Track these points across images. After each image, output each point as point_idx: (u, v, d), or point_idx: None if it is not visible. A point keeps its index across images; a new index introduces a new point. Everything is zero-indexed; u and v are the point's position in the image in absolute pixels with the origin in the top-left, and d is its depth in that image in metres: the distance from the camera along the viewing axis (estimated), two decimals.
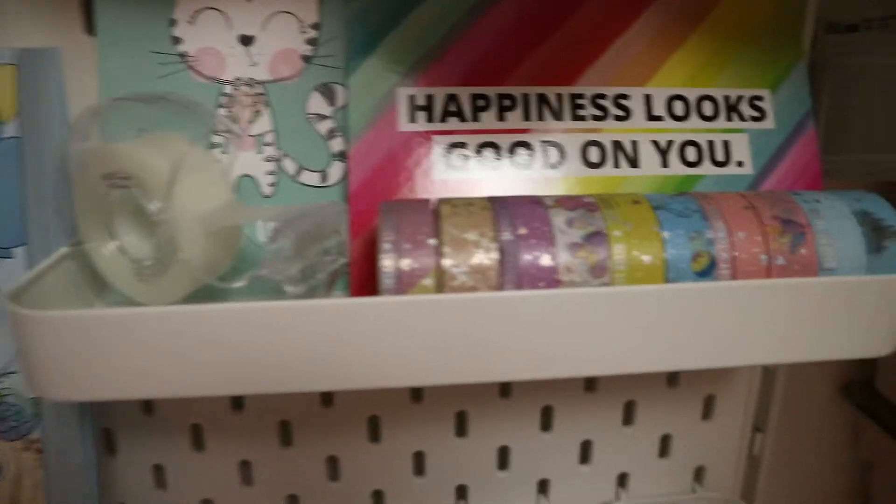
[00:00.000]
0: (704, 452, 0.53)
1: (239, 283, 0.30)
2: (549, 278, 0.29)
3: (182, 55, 0.38)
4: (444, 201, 0.31)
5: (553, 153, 0.38)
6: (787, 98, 0.42)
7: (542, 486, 0.52)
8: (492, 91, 0.38)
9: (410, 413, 0.48)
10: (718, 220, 0.31)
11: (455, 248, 0.29)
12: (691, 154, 0.40)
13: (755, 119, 0.41)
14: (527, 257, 0.29)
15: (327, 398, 0.48)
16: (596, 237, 0.29)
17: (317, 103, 0.39)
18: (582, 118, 0.39)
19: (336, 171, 0.39)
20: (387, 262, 0.28)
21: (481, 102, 0.38)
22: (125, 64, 0.37)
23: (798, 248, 0.32)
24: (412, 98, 0.37)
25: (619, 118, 0.39)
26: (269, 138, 0.39)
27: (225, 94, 0.38)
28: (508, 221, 0.29)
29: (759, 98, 0.41)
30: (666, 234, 0.30)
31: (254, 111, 0.38)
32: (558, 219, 0.30)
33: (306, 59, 0.39)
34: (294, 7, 0.38)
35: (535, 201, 0.31)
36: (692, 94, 0.40)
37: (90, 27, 0.38)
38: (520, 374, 0.29)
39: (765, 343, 0.32)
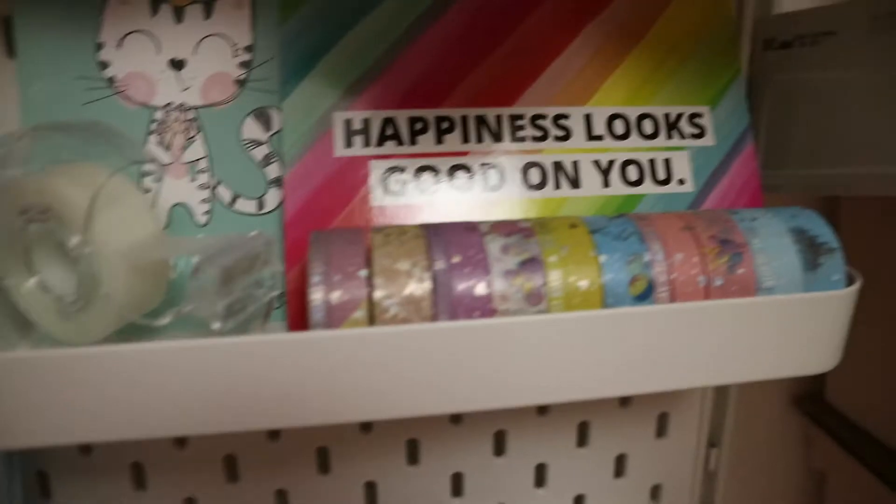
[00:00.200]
0: (660, 470, 0.53)
1: (164, 321, 0.29)
2: (484, 307, 0.28)
3: (109, 80, 0.36)
4: (376, 230, 0.30)
5: (493, 175, 0.38)
6: (726, 114, 0.42)
7: None
8: (430, 113, 0.38)
9: (360, 444, 0.47)
10: (656, 242, 0.31)
11: (387, 278, 0.28)
12: (633, 173, 0.39)
13: (695, 136, 0.41)
14: (461, 286, 0.28)
15: (273, 432, 0.46)
16: (531, 263, 0.29)
17: (252, 128, 0.38)
18: (522, 139, 0.38)
19: (273, 198, 0.38)
20: (316, 296, 0.27)
21: (419, 125, 0.37)
22: (48, 89, 0.36)
23: (736, 269, 0.31)
24: (348, 122, 0.37)
25: (559, 138, 0.39)
26: (202, 165, 0.37)
27: (156, 121, 0.37)
28: (442, 249, 0.29)
29: (699, 115, 0.41)
30: (603, 259, 0.30)
31: (186, 137, 0.37)
32: (493, 245, 0.29)
33: (240, 83, 0.38)
34: (226, 30, 0.38)
35: (469, 228, 0.30)
36: (632, 113, 0.40)
37: (10, 49, 0.36)
38: (458, 405, 0.28)
39: (707, 365, 0.31)
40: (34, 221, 0.30)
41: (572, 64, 0.40)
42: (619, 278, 0.30)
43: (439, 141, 0.37)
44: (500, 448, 0.49)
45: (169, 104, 0.37)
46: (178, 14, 0.37)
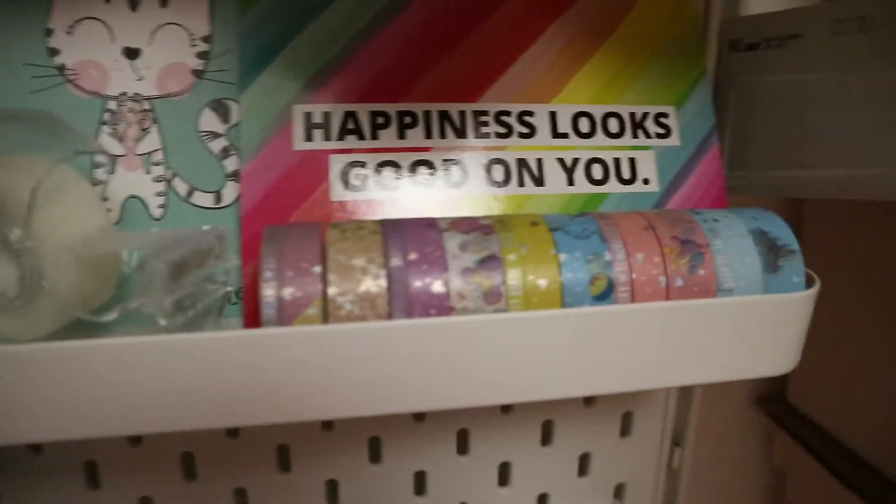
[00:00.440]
0: (624, 469, 0.53)
1: (109, 317, 0.28)
2: (440, 305, 0.28)
3: (60, 68, 0.35)
4: (332, 225, 0.29)
5: (456, 172, 0.37)
6: (691, 115, 0.42)
7: None
8: (392, 108, 0.37)
9: (321, 442, 0.46)
10: (617, 241, 0.31)
11: (341, 275, 0.27)
12: (597, 172, 0.39)
13: (660, 136, 0.41)
14: (417, 284, 0.27)
15: (232, 429, 0.45)
16: (490, 261, 0.28)
17: (209, 120, 0.37)
18: (486, 136, 0.38)
19: (231, 191, 0.37)
20: (268, 292, 0.27)
21: (381, 120, 0.37)
22: None
23: (697, 270, 0.31)
24: (308, 115, 0.36)
25: (523, 135, 0.38)
26: (157, 157, 0.36)
27: (109, 111, 0.36)
28: (399, 246, 0.28)
29: (665, 115, 0.41)
30: (563, 257, 0.29)
31: (141, 128, 0.36)
32: (452, 243, 0.29)
33: (197, 73, 0.37)
34: (183, 18, 0.36)
35: (429, 224, 0.30)
36: (598, 111, 0.40)
37: None
38: (414, 404, 0.28)
39: (667, 366, 0.31)
40: None
41: (538, 61, 0.40)
42: (578, 277, 0.29)
43: (401, 136, 0.37)
44: (463, 447, 0.49)
45: (123, 94, 0.36)
46: (133, 1, 0.36)
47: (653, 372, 0.31)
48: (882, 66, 0.38)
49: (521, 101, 0.39)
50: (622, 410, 0.51)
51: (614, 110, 0.41)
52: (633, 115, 0.41)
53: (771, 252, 0.33)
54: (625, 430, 0.52)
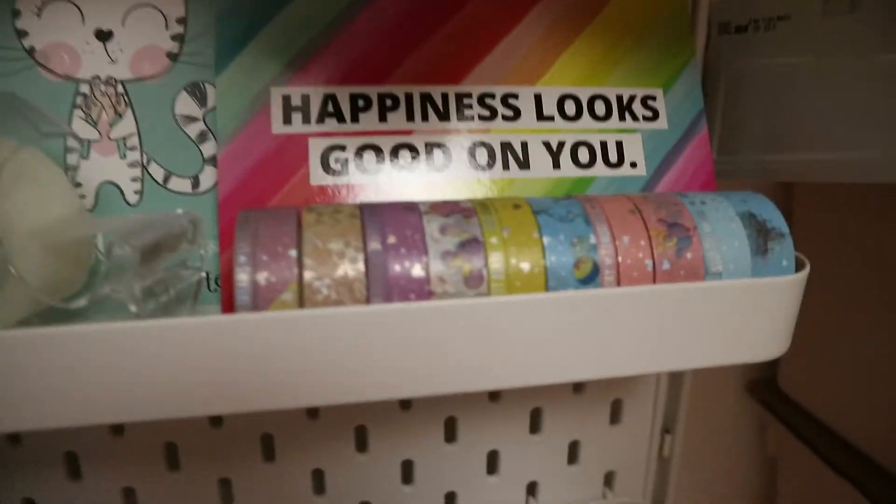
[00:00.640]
0: (614, 457, 0.53)
1: (79, 303, 0.27)
2: (420, 290, 0.27)
3: (29, 51, 0.34)
4: (309, 209, 0.28)
5: (438, 155, 0.36)
6: (679, 98, 0.41)
7: (450, 499, 0.50)
8: (373, 90, 0.36)
9: (306, 431, 0.45)
10: (602, 224, 0.30)
11: (317, 259, 0.26)
12: (583, 155, 0.38)
13: (648, 119, 0.40)
14: (396, 268, 0.27)
15: (215, 419, 0.45)
16: (471, 245, 0.28)
17: (185, 104, 0.36)
18: (469, 118, 0.37)
19: (209, 177, 0.36)
20: (242, 276, 0.26)
21: (361, 102, 0.36)
22: None
23: (684, 253, 0.31)
24: (287, 98, 0.35)
25: (507, 118, 0.38)
26: (132, 142, 0.35)
27: (81, 94, 0.35)
28: (377, 230, 0.27)
29: (652, 98, 0.41)
30: (546, 240, 0.29)
31: (115, 112, 0.35)
32: (432, 226, 0.28)
33: (172, 56, 0.36)
34: (157, 0, 0.35)
35: (408, 208, 0.29)
36: (584, 94, 0.39)
37: None
38: (393, 391, 0.27)
39: (654, 351, 0.30)
40: None
41: (523, 42, 0.39)
42: (563, 261, 0.29)
43: (382, 119, 0.36)
44: (451, 435, 0.48)
45: (96, 77, 0.35)
46: None
47: (639, 357, 0.30)
48: (872, 47, 0.38)
49: (506, 84, 0.38)
50: (611, 398, 0.51)
51: (601, 93, 0.40)
52: (619, 97, 0.40)
53: (760, 235, 0.32)
54: (614, 418, 0.52)
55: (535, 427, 0.50)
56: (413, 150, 0.36)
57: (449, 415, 0.47)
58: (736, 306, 0.31)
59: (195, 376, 0.26)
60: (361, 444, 0.47)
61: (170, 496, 0.45)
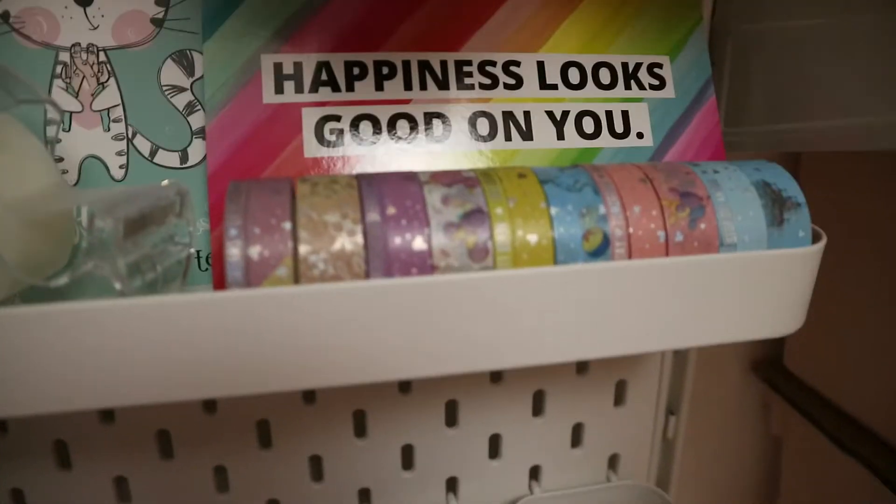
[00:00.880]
0: (618, 439, 0.51)
1: (59, 281, 0.25)
2: (422, 264, 0.25)
3: (3, 16, 0.32)
4: (303, 180, 0.27)
5: (438, 126, 0.35)
6: (687, 65, 0.40)
7: (451, 484, 0.49)
8: (368, 57, 0.34)
9: (303, 416, 0.44)
10: (612, 194, 0.29)
11: (313, 232, 0.25)
12: (588, 125, 0.37)
13: (654, 88, 0.39)
14: (396, 240, 0.25)
15: (209, 404, 0.43)
16: (475, 216, 0.26)
17: (172, 73, 0.34)
18: (469, 87, 0.35)
19: (198, 150, 0.35)
20: (233, 251, 0.24)
21: (357, 70, 0.34)
22: None
23: (697, 223, 0.29)
24: (278, 66, 0.33)
25: (509, 87, 0.36)
26: (116, 114, 0.34)
27: (61, 63, 0.33)
28: (376, 200, 0.26)
29: (658, 65, 0.39)
30: (554, 211, 0.27)
31: (97, 82, 0.33)
32: (433, 196, 0.26)
33: (157, 22, 0.34)
34: None
35: (407, 177, 0.27)
36: (588, 61, 0.38)
37: None
38: (394, 372, 0.26)
39: (666, 327, 0.29)
40: None
41: (524, 6, 0.37)
42: (571, 232, 0.27)
43: (379, 88, 0.34)
44: (452, 418, 0.47)
45: (76, 45, 0.33)
46: None
47: (652, 334, 0.29)
48: (887, 4, 0.36)
49: (507, 51, 0.36)
50: (616, 378, 0.49)
51: (605, 60, 0.38)
52: (625, 65, 0.38)
53: (776, 205, 0.31)
54: (618, 399, 0.50)
55: (537, 409, 0.49)
56: (411, 120, 0.34)
57: (450, 398, 0.46)
58: (752, 280, 0.30)
59: (184, 358, 0.24)
60: (360, 429, 0.46)
61: (163, 485, 0.44)
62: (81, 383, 0.24)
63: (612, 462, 0.52)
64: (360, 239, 0.25)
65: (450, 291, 0.25)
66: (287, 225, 0.25)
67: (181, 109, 0.34)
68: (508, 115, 0.36)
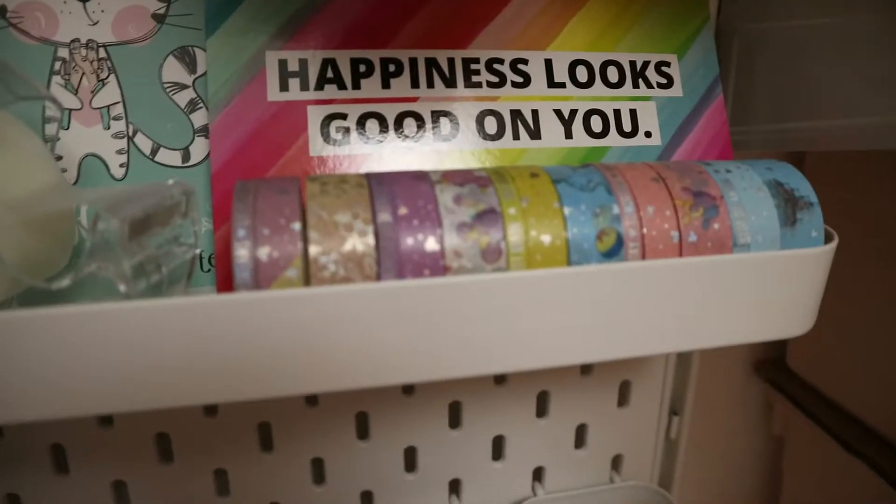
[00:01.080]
0: (621, 440, 0.51)
1: (62, 283, 0.25)
2: (434, 265, 0.25)
3: (1, 11, 0.31)
4: (311, 178, 0.26)
5: (445, 124, 0.34)
6: (694, 64, 0.39)
7: (454, 486, 0.49)
8: (375, 55, 0.34)
9: (305, 418, 0.43)
10: (625, 193, 0.28)
11: (323, 232, 0.24)
12: (596, 124, 0.36)
13: (662, 86, 0.38)
14: (408, 241, 0.25)
15: (210, 407, 0.42)
16: (488, 216, 0.26)
17: (173, 70, 0.33)
18: (477, 85, 0.35)
19: (200, 148, 0.34)
20: (241, 252, 0.24)
21: (363, 67, 0.33)
22: None
23: (711, 223, 0.29)
24: (283, 63, 0.33)
25: (517, 85, 0.35)
26: (117, 111, 0.33)
27: (59, 59, 0.32)
28: (387, 200, 0.25)
29: (666, 64, 0.39)
30: (567, 211, 0.27)
31: (97, 79, 0.33)
32: (445, 196, 0.26)
33: (158, 17, 0.33)
34: None
35: (418, 177, 0.27)
36: (596, 60, 0.37)
37: None
38: (405, 375, 0.25)
39: (680, 328, 0.29)
40: None
41: (532, 4, 0.36)
42: (585, 232, 0.27)
43: (385, 85, 0.34)
44: (455, 420, 0.47)
45: (75, 40, 0.32)
46: None
47: (665, 335, 0.28)
48: (891, 3, 0.36)
49: (514, 48, 0.36)
50: (620, 379, 0.49)
51: (613, 58, 0.38)
52: (633, 63, 0.38)
53: (788, 204, 0.30)
54: (622, 400, 0.50)
55: (541, 411, 0.48)
56: (418, 118, 0.34)
57: (453, 399, 0.46)
58: (765, 280, 0.29)
59: (192, 362, 0.23)
60: (363, 432, 0.45)
61: (163, 489, 0.43)
62: (84, 389, 0.23)
63: (616, 463, 0.52)
64: (371, 239, 0.24)
65: (464, 293, 0.24)
66: (296, 225, 0.24)
67: (183, 107, 0.34)
68: (516, 114, 0.35)
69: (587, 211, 0.27)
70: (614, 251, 0.27)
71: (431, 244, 0.25)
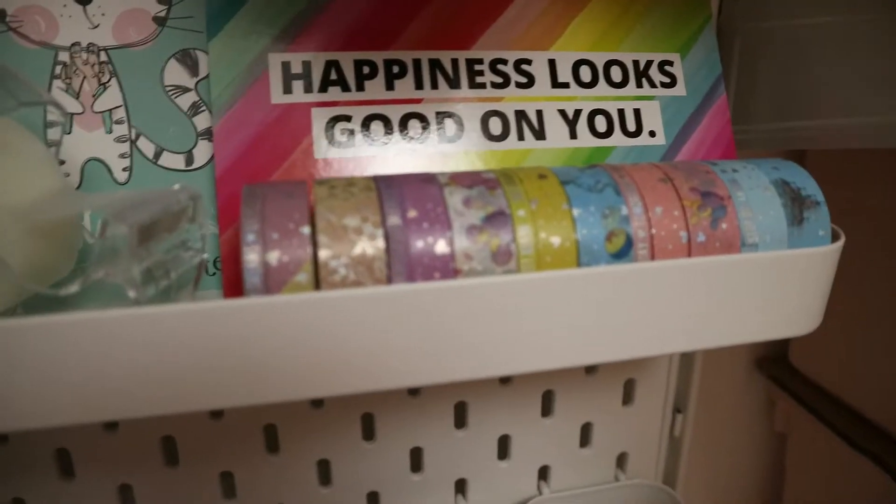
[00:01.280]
0: (626, 438, 0.51)
1: (70, 290, 0.25)
2: (445, 267, 0.25)
3: (0, 15, 0.31)
4: (319, 182, 0.26)
5: (450, 125, 0.34)
6: (697, 63, 0.39)
7: (460, 486, 0.49)
8: (378, 56, 0.34)
9: (311, 420, 0.43)
10: (633, 194, 0.28)
11: (333, 236, 0.24)
12: (601, 124, 0.36)
13: (665, 85, 0.38)
14: (418, 244, 0.24)
15: (215, 411, 0.42)
16: (497, 218, 0.26)
17: (175, 73, 0.33)
18: (481, 86, 0.35)
19: (203, 151, 0.34)
20: (251, 256, 0.23)
21: (366, 69, 0.33)
22: None
23: (719, 223, 0.29)
24: (286, 65, 0.32)
25: (521, 85, 0.35)
26: (119, 115, 0.33)
27: (60, 63, 0.32)
28: (396, 203, 0.25)
29: (669, 63, 0.39)
30: (576, 212, 0.27)
31: (99, 83, 0.32)
32: (454, 198, 0.26)
33: (159, 20, 0.33)
34: None
35: (426, 179, 0.27)
36: (599, 59, 0.37)
37: None
38: (416, 378, 0.25)
39: (689, 328, 0.29)
40: None
41: (534, 3, 0.36)
42: (594, 234, 0.27)
43: (389, 87, 0.33)
44: (461, 420, 0.47)
45: (75, 44, 0.32)
46: None
47: (675, 335, 0.28)
48: (892, 3, 0.36)
49: (518, 49, 0.36)
50: (624, 378, 0.49)
51: (616, 58, 0.38)
52: (636, 63, 0.38)
53: (795, 204, 0.30)
54: (627, 399, 0.50)
55: (546, 410, 0.48)
56: (423, 119, 0.34)
57: (459, 400, 0.46)
58: (773, 279, 0.29)
59: (202, 367, 0.23)
60: (368, 433, 0.45)
61: (169, 492, 0.43)
62: (96, 396, 0.23)
63: (621, 461, 0.52)
64: (381, 243, 0.24)
65: (476, 296, 0.24)
66: (306, 229, 0.24)
67: (185, 110, 0.33)
68: (521, 114, 0.35)
69: (596, 212, 0.27)
70: (623, 252, 0.27)
71: (442, 247, 0.25)
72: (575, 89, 0.36)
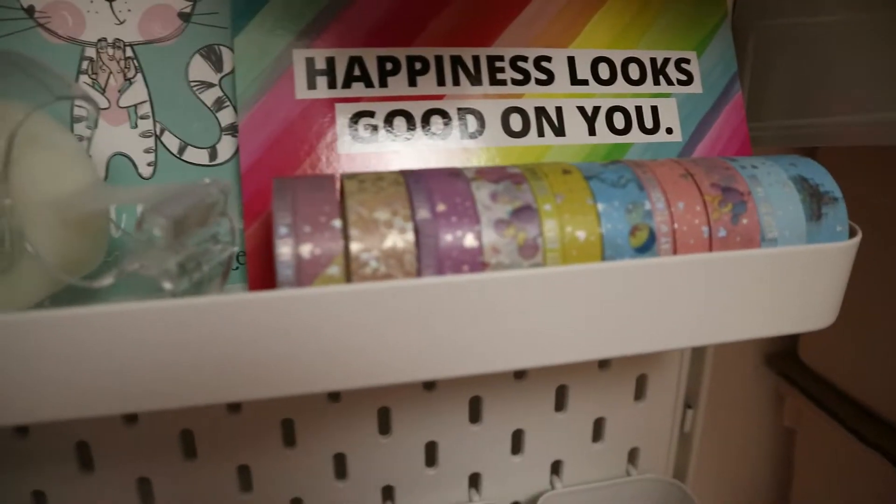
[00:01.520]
0: (638, 433, 0.51)
1: (105, 282, 0.25)
2: (473, 261, 0.25)
3: (28, 10, 0.31)
4: (348, 176, 0.26)
5: (471, 121, 0.34)
6: (713, 60, 0.39)
7: (473, 480, 0.49)
8: (401, 52, 0.34)
9: (328, 414, 0.44)
10: (656, 189, 0.29)
11: (364, 229, 0.24)
12: (619, 121, 0.37)
13: (682, 83, 0.39)
14: (448, 238, 0.25)
15: (233, 404, 0.43)
16: (524, 212, 0.26)
17: (200, 69, 0.34)
18: (502, 82, 0.35)
19: (227, 146, 0.34)
20: (284, 250, 0.24)
21: (389, 65, 0.34)
22: None
23: (739, 219, 0.29)
24: (310, 61, 0.33)
25: (541, 82, 0.36)
26: (144, 110, 0.33)
27: (87, 58, 0.32)
28: (424, 197, 0.25)
29: (686, 61, 0.39)
30: (601, 207, 0.27)
31: (124, 78, 0.33)
32: (481, 193, 0.26)
33: (184, 16, 0.33)
34: None
35: (453, 174, 0.27)
36: (617, 57, 0.37)
37: None
38: (447, 370, 0.26)
39: (709, 322, 0.29)
40: None
41: (554, 1, 0.37)
42: (618, 228, 0.27)
43: (412, 83, 0.34)
44: (475, 415, 0.47)
45: (102, 40, 0.32)
46: None
47: (696, 328, 0.29)
48: None
49: (537, 46, 0.36)
50: (637, 373, 0.49)
51: (634, 55, 0.38)
52: (653, 60, 0.38)
53: (813, 199, 0.31)
54: (639, 394, 0.50)
55: (560, 405, 0.49)
56: (445, 115, 0.34)
57: (473, 394, 0.46)
58: (792, 274, 0.30)
59: (236, 358, 0.24)
60: (384, 427, 0.45)
61: (187, 485, 0.44)
62: (121, 387, 0.24)
63: (632, 456, 0.52)
64: (411, 236, 0.25)
65: (502, 289, 0.25)
66: (337, 223, 0.24)
67: (210, 105, 0.34)
68: (541, 111, 0.35)
69: (620, 207, 0.27)
70: (647, 246, 0.27)
71: (470, 240, 0.25)
72: (594, 86, 0.37)
